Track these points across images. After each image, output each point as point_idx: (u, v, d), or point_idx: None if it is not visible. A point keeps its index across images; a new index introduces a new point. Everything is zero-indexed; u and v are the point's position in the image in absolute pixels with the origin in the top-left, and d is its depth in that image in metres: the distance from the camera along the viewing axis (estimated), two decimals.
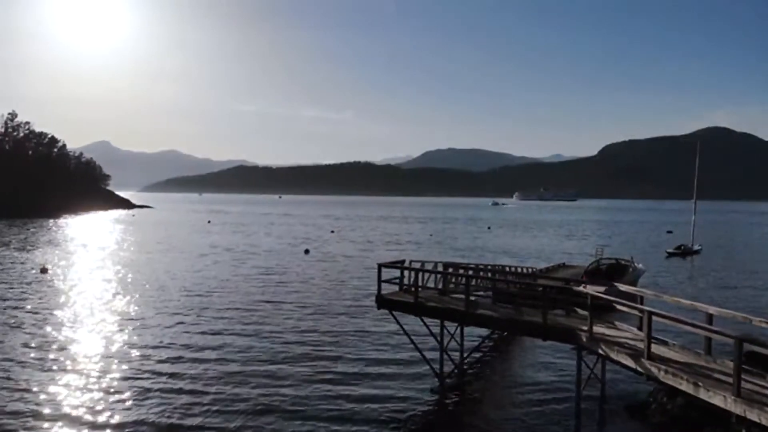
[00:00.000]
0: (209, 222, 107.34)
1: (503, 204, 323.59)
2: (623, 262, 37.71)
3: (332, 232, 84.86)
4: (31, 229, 79.14)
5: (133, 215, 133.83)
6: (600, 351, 13.63)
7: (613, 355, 13.14)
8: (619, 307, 14.12)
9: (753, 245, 75.55)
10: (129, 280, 36.59)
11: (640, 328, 14.77)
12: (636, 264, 38.18)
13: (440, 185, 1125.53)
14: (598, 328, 14.43)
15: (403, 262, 19.84)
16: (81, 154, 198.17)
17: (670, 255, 58.59)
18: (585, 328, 14.24)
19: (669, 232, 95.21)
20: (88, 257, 48.45)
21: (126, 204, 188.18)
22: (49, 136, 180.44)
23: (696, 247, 62.70)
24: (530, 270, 33.89)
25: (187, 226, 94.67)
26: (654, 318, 12.29)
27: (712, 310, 13.44)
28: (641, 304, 14.99)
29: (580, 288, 33.29)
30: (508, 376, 18.55)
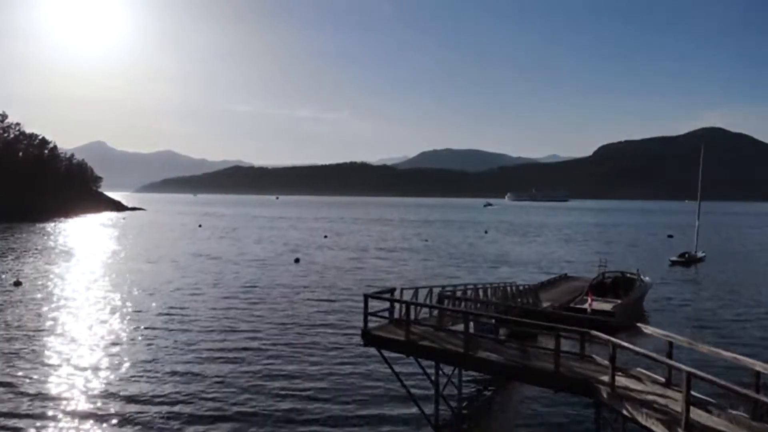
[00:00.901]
0: (200, 226, 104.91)
1: (494, 206, 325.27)
2: (629, 276, 35.62)
3: (325, 237, 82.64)
4: (15, 235, 76.63)
5: (124, 218, 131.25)
6: (624, 412, 11.42)
7: (641, 419, 10.94)
8: (653, 356, 11.86)
9: (756, 252, 73.47)
10: (104, 296, 34.23)
11: (669, 380, 12.64)
12: (642, 277, 36.10)
13: (437, 186, 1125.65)
14: (621, 380, 12.27)
15: (393, 291, 17.58)
16: (72, 155, 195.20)
17: (674, 263, 56.51)
18: (605, 379, 12.08)
19: (669, 236, 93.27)
20: (67, 268, 46.04)
21: (117, 206, 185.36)
22: (40, 137, 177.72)
23: (700, 255, 60.69)
24: (525, 286, 31.72)
25: (176, 231, 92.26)
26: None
27: (758, 366, 11.26)
28: (671, 350, 12.81)
29: (587, 306, 31.42)
30: (513, 428, 16.28)
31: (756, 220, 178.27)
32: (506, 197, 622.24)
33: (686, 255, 58.58)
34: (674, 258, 57.67)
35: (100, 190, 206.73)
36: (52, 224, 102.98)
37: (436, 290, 20.81)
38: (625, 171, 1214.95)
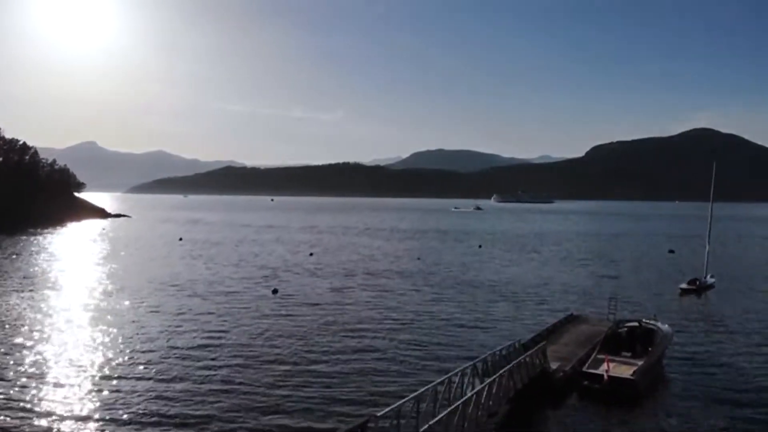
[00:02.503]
0: (180, 240, 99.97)
1: (482, 209, 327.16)
2: (646, 324, 31.18)
3: (311, 254, 78.05)
4: None
5: (103, 229, 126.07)
6: None
7: None
8: None
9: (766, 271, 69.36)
10: (36, 338, 29.26)
11: None
12: (661, 325, 31.79)
13: (429, 186, 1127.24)
14: None
15: (365, 425, 13.03)
16: (54, 161, 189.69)
17: (684, 292, 52.24)
18: None
19: (671, 251, 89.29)
20: (12, 300, 41.03)
21: (101, 213, 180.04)
22: (21, 142, 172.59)
23: (710, 280, 56.49)
24: (531, 343, 27.27)
25: (154, 246, 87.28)
26: None
27: None
28: None
29: (602, 371, 26.98)
30: None
31: (754, 227, 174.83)
32: (492, 198, 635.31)
33: (697, 282, 54.20)
34: (684, 286, 53.29)
35: (82, 195, 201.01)
36: (23, 238, 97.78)
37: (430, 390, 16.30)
38: (617, 172, 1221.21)
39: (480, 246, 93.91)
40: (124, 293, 46.86)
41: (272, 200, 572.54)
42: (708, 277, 57.29)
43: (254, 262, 68.97)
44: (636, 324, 31.29)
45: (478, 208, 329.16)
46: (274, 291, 48.82)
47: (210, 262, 67.77)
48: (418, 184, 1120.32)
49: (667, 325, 32.40)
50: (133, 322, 37.08)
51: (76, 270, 60.77)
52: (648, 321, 31.36)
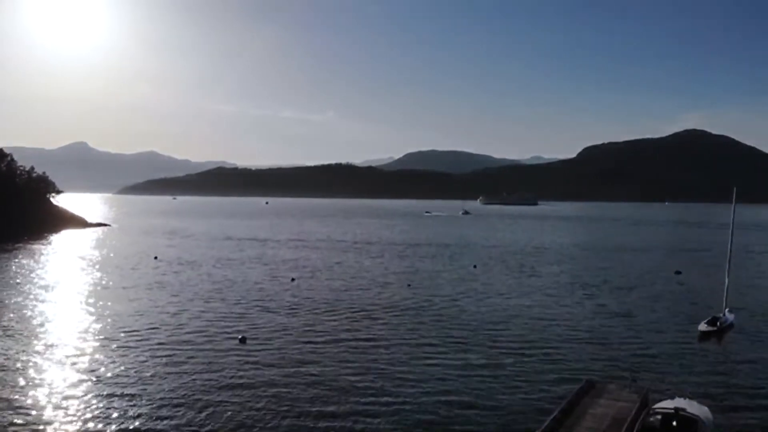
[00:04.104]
0: (155, 258, 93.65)
1: (470, 213, 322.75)
2: (685, 414, 25.49)
3: (293, 280, 72.13)
4: None
5: (78, 244, 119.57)
6: None
7: None
8: None
9: None
10: None
11: None
12: (699, 408, 26.21)
13: (422, 187, 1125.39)
14: None
15: None
16: (32, 167, 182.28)
17: (704, 336, 46.70)
18: None
19: (677, 272, 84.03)
20: None
21: (80, 223, 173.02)
22: None
23: (729, 317, 50.97)
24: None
25: (123, 269, 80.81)
26: None
27: None
28: None
29: None
30: None
31: (760, 235, 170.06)
32: (478, 200, 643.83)
33: (718, 323, 48.65)
34: (704, 328, 47.59)
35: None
36: None
37: None
38: (608, 172, 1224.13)
39: (475, 266, 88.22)
40: (61, 345, 40.56)
41: (267, 203, 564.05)
42: (726, 312, 51.85)
43: (228, 293, 62.64)
44: (671, 410, 25.69)
45: (466, 213, 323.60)
46: (242, 340, 42.78)
47: (179, 294, 61.39)
48: (411, 185, 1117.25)
49: (706, 408, 26.82)
50: (51, 393, 30.92)
51: (15, 305, 54.19)
52: (683, 410, 25.62)
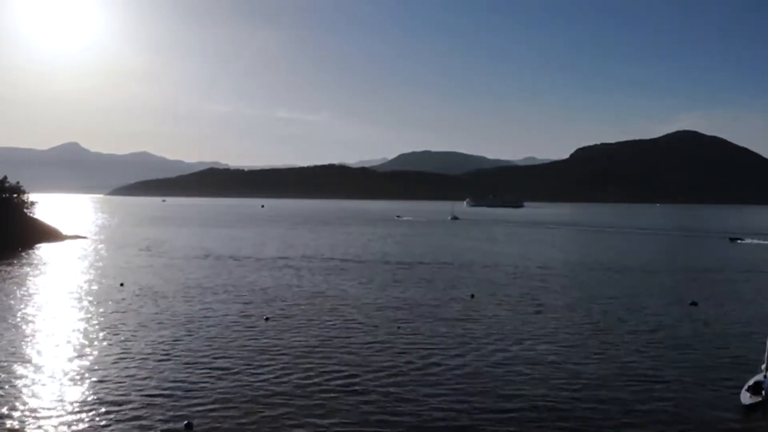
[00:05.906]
0: (121, 285, 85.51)
1: (459, 219, 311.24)
2: None
3: (266, 319, 64.14)
4: None
5: (44, 263, 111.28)
6: None
7: None
8: None
9: None
10: None
11: None
12: None
13: (416, 188, 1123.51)
14: None
15: None
16: (6, 177, 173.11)
17: (749, 410, 39.08)
18: None
19: (694, 303, 76.66)
20: None
21: (54, 236, 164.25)
22: None
23: None
24: None
25: (82, 301, 72.53)
26: None
27: None
28: None
29: None
30: None
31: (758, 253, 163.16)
32: (465, 203, 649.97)
33: (763, 391, 40.99)
34: (747, 400, 39.93)
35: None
36: None
37: None
38: (601, 173, 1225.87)
39: (472, 296, 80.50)
40: None
41: (263, 206, 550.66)
42: (766, 371, 44.24)
43: (188, 343, 54.16)
44: None
45: (455, 218, 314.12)
46: (188, 426, 34.62)
47: (131, 340, 52.86)
48: (405, 186, 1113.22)
49: None
50: None
51: None
52: None
